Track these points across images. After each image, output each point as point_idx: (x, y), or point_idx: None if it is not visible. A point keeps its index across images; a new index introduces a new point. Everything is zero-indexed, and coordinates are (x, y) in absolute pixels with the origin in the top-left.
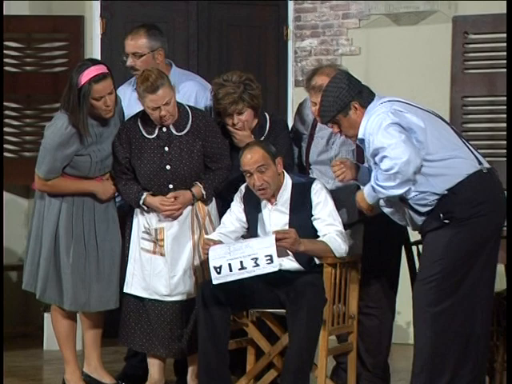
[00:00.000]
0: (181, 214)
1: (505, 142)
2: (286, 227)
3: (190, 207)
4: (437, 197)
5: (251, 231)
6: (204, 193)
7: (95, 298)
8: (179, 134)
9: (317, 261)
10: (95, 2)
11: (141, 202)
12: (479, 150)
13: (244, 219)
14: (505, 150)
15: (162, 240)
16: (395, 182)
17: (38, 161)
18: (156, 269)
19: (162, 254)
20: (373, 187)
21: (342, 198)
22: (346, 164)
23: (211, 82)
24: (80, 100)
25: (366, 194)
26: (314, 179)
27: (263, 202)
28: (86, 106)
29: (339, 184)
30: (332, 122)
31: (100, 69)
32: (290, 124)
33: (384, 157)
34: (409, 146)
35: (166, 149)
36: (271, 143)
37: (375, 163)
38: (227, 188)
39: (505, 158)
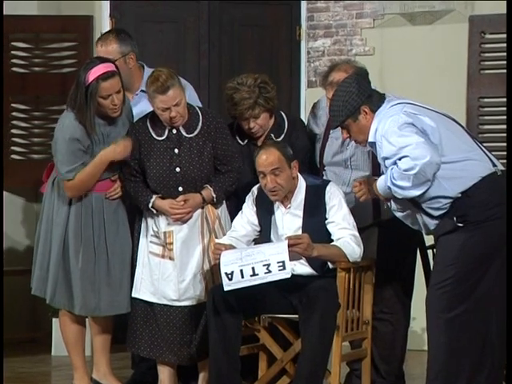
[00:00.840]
0: (190, 217)
1: None
2: (300, 231)
3: (199, 210)
4: (450, 200)
5: (264, 234)
6: (214, 196)
7: (105, 302)
8: (189, 135)
9: (330, 265)
10: (104, 1)
11: (150, 205)
12: (496, 152)
13: (256, 222)
14: None
15: (171, 244)
16: (410, 182)
17: (57, 165)
18: (165, 273)
19: (171, 258)
20: (389, 187)
21: (356, 200)
22: (365, 183)
23: (225, 85)
24: (87, 98)
25: (379, 187)
26: (329, 182)
27: (276, 205)
28: (93, 104)
29: None
30: (341, 127)
31: (108, 67)
32: None
33: (404, 156)
34: (429, 145)
35: (176, 151)
36: (291, 142)
37: (386, 166)
38: (243, 190)
39: None
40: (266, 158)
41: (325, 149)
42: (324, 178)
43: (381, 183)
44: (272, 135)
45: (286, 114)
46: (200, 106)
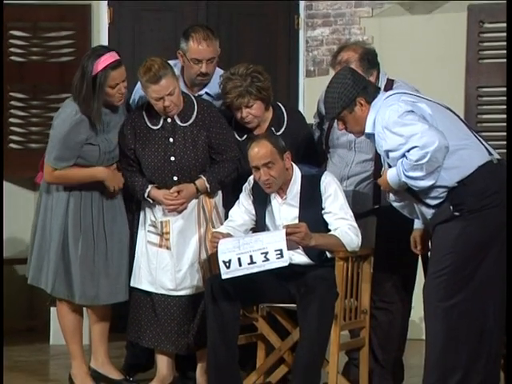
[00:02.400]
0: (185, 207)
1: None
2: (296, 221)
3: (195, 200)
4: (447, 189)
5: (260, 224)
6: (208, 186)
7: (104, 291)
8: (184, 124)
9: (328, 254)
10: None
11: (145, 194)
12: (495, 142)
13: (253, 211)
14: None
15: (168, 233)
16: (423, 171)
17: (48, 150)
18: (162, 262)
19: (168, 248)
20: (404, 181)
21: (357, 185)
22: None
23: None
24: (95, 88)
25: (391, 181)
26: (324, 171)
27: (272, 195)
28: (102, 93)
29: (356, 169)
30: (337, 119)
31: (115, 56)
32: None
33: (413, 147)
34: (434, 130)
35: (171, 140)
36: (294, 135)
37: (387, 157)
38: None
39: None
40: (258, 151)
41: (331, 131)
42: (329, 160)
43: (393, 177)
44: (272, 129)
45: (283, 106)
46: None
